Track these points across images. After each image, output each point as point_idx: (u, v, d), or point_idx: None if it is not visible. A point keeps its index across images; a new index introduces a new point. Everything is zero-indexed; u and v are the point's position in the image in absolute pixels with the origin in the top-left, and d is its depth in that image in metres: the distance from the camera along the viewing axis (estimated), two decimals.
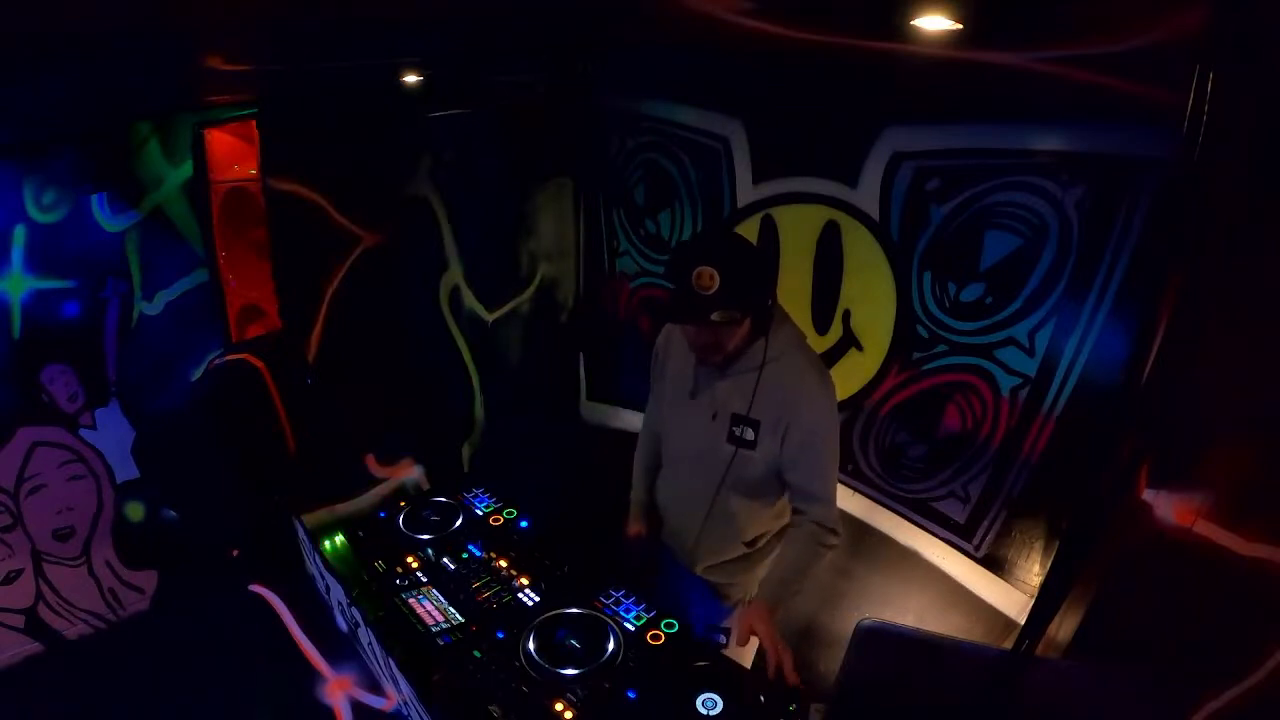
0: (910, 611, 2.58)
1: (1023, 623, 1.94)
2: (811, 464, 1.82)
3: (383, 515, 2.35)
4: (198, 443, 3.33)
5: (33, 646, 3.15)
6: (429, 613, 1.94)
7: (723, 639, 2.05)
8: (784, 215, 2.67)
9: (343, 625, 2.25)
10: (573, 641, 1.79)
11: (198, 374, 3.54)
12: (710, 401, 1.88)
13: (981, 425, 2.35)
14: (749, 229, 2.76)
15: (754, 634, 1.77)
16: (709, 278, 1.62)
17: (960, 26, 1.48)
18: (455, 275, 3.79)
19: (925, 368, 2.43)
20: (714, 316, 1.65)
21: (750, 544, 2.02)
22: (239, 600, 3.03)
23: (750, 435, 1.83)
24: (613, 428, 3.53)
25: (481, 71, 3.04)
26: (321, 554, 2.20)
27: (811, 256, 2.61)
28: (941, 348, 2.38)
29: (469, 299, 3.77)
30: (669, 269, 1.91)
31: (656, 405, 2.12)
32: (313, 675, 2.53)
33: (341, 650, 2.39)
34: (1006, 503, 2.34)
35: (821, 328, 2.65)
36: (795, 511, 1.89)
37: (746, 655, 2.15)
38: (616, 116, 3.09)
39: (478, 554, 2.17)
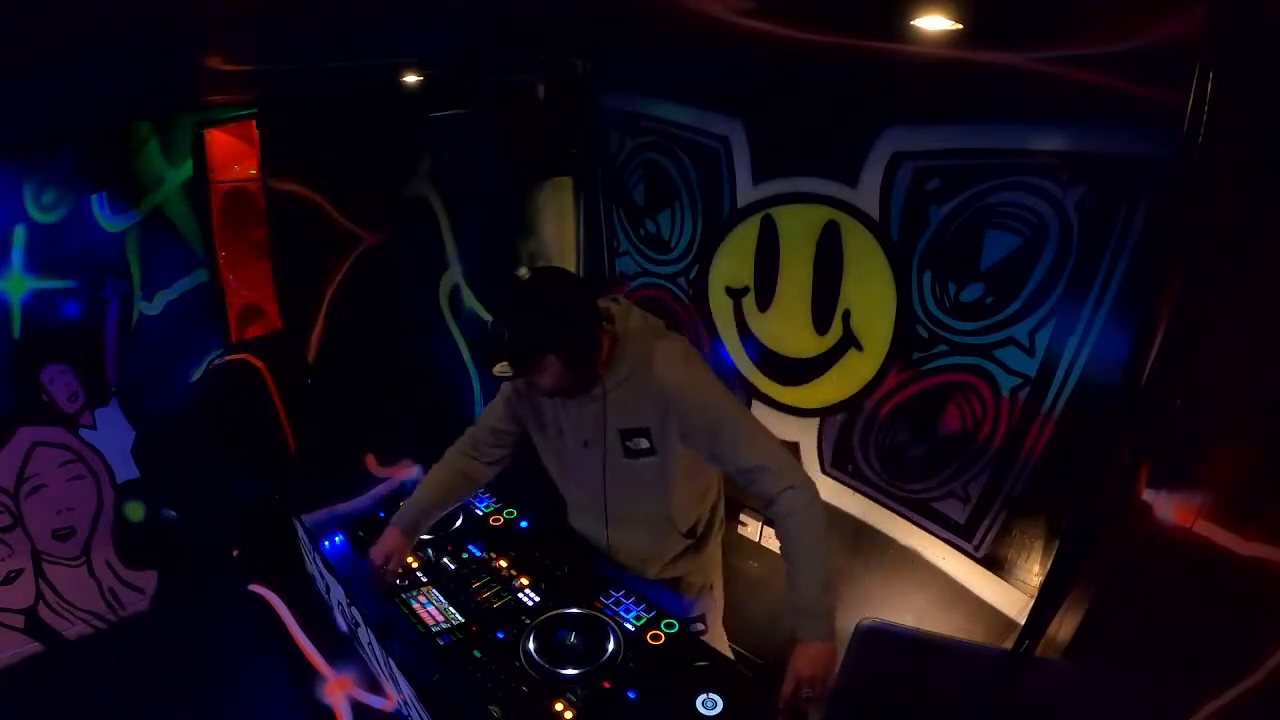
0: (910, 611, 2.57)
1: (1023, 623, 1.94)
2: (728, 441, 1.74)
3: (383, 515, 2.35)
4: (198, 443, 3.34)
5: (33, 646, 3.15)
6: (429, 613, 1.94)
7: (703, 628, 2.08)
8: (784, 215, 2.67)
9: (343, 625, 2.25)
10: (573, 641, 1.79)
11: (198, 374, 3.54)
12: (578, 431, 1.87)
13: (981, 425, 2.35)
14: (749, 229, 2.76)
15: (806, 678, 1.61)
16: (499, 331, 1.67)
17: (960, 26, 1.48)
18: (455, 275, 3.79)
19: (925, 368, 2.43)
20: (495, 370, 1.67)
21: (689, 533, 2.04)
22: (239, 600, 3.03)
23: (645, 444, 1.82)
24: None
25: (481, 71, 3.04)
26: (321, 554, 2.20)
27: (811, 257, 2.60)
28: (941, 348, 2.38)
29: (469, 299, 3.77)
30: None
31: (538, 451, 2.06)
32: (313, 675, 2.53)
33: (341, 650, 2.39)
34: (1006, 503, 2.34)
35: (821, 328, 2.65)
36: (763, 502, 1.76)
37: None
38: (616, 116, 3.09)
39: (478, 554, 2.17)
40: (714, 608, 2.18)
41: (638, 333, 1.82)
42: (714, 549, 2.14)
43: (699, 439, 1.77)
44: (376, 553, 1.97)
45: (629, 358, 1.77)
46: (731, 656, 2.19)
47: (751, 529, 2.95)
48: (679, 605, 2.10)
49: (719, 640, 2.20)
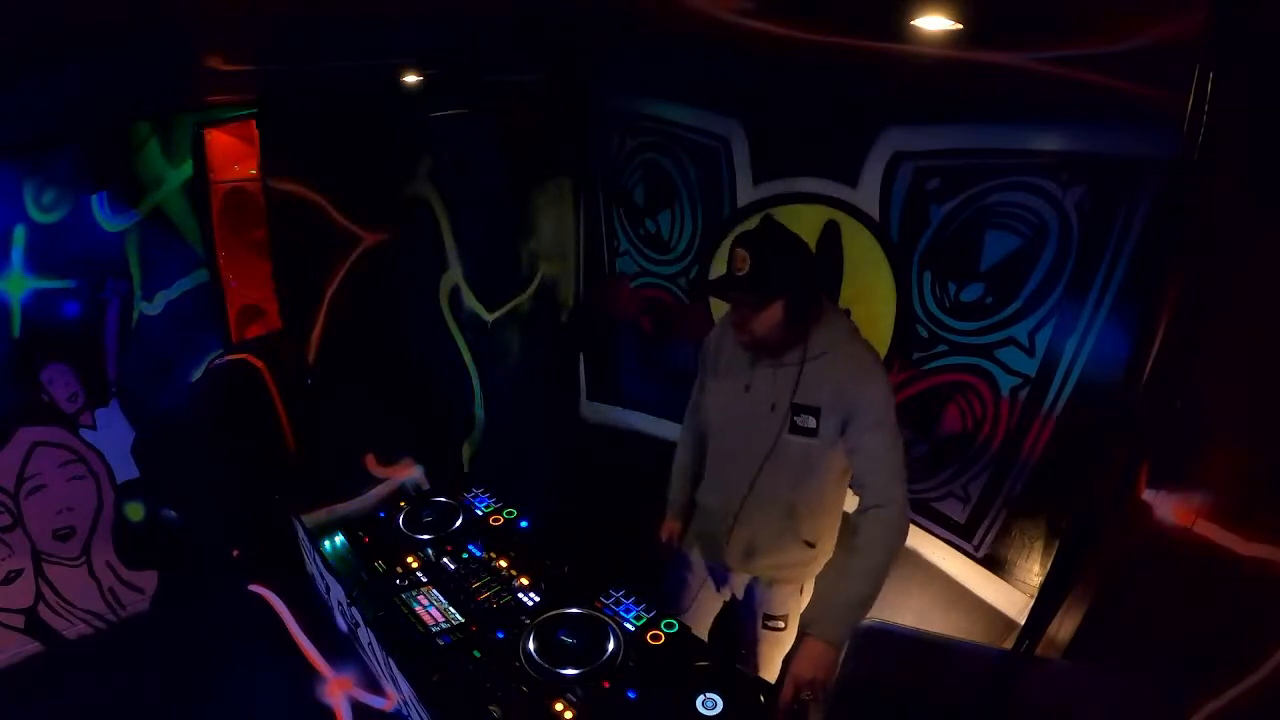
0: (910, 611, 2.58)
1: (1023, 623, 1.94)
2: (875, 443, 1.79)
3: (383, 515, 2.36)
4: (198, 443, 3.34)
5: (33, 646, 3.15)
6: (429, 613, 1.94)
7: (782, 626, 2.05)
8: (784, 215, 2.65)
9: (343, 625, 2.25)
10: (573, 641, 1.79)
11: (198, 374, 3.54)
12: (768, 394, 1.87)
13: (981, 425, 2.35)
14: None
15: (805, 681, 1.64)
16: (741, 260, 1.72)
17: (960, 26, 1.48)
18: (455, 275, 3.79)
19: (925, 368, 2.43)
20: (734, 295, 1.75)
21: (811, 544, 1.98)
22: (239, 600, 3.03)
23: (812, 423, 1.83)
24: (613, 427, 3.53)
25: (481, 71, 3.04)
26: (321, 554, 2.20)
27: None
28: (941, 348, 2.38)
29: (469, 299, 3.77)
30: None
31: (703, 402, 2.09)
32: (313, 675, 2.53)
33: (341, 650, 2.39)
34: (1006, 503, 2.34)
35: None
36: (860, 504, 1.82)
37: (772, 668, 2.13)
38: (616, 116, 3.09)
39: (478, 554, 2.17)
40: (798, 610, 2.13)
41: (837, 315, 1.90)
42: (822, 561, 2.08)
43: (855, 428, 1.80)
44: (663, 546, 2.19)
45: (826, 336, 1.82)
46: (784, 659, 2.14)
47: None
48: (767, 603, 2.07)
49: (788, 642, 2.12)
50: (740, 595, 2.12)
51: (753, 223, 1.95)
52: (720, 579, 2.15)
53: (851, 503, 1.97)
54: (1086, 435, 2.10)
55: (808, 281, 1.81)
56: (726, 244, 2.85)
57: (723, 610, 2.24)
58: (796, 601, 2.10)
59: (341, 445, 3.47)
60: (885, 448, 1.80)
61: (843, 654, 1.78)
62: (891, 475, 1.79)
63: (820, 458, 1.86)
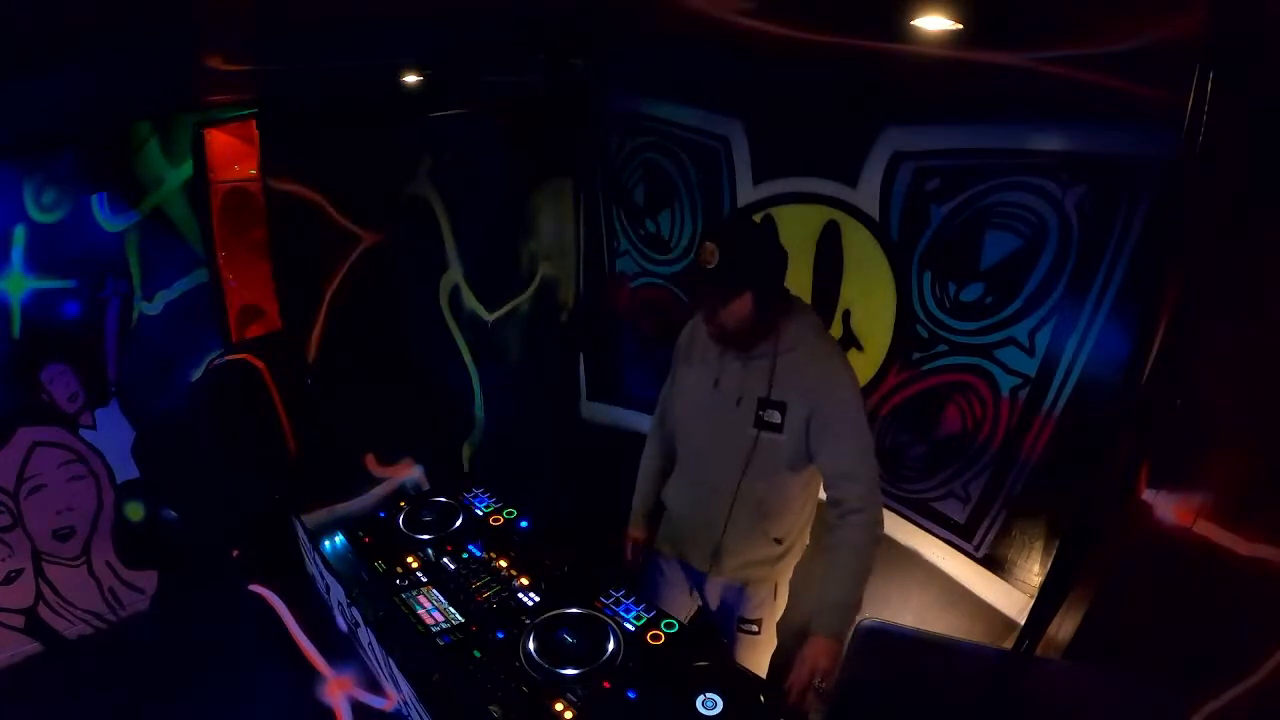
0: (910, 611, 2.57)
1: (1023, 623, 1.94)
2: (843, 443, 1.80)
3: (383, 515, 2.35)
4: (198, 443, 3.34)
5: (33, 646, 3.15)
6: (429, 613, 1.94)
7: (756, 630, 2.05)
8: (784, 215, 2.67)
9: (343, 625, 2.25)
10: (573, 642, 1.79)
11: (198, 374, 3.54)
12: (735, 388, 1.88)
13: (981, 425, 2.35)
14: None
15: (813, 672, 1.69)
16: (709, 253, 1.71)
17: (960, 26, 1.48)
18: (455, 275, 3.79)
19: (925, 368, 2.43)
20: (703, 288, 1.75)
21: (779, 540, 1.99)
22: (239, 600, 3.03)
23: (777, 418, 1.83)
24: (613, 428, 3.53)
25: (481, 71, 3.04)
26: (321, 554, 2.20)
27: (811, 256, 2.60)
28: (941, 348, 2.38)
29: (469, 299, 3.77)
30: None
31: (673, 400, 2.10)
32: (313, 675, 2.53)
33: (341, 650, 2.39)
34: (1006, 503, 2.34)
35: None
36: (834, 505, 1.82)
37: (760, 662, 2.14)
38: (616, 116, 3.09)
39: (478, 554, 2.17)
40: (772, 613, 2.13)
41: (805, 311, 1.91)
42: (792, 560, 2.09)
43: (819, 423, 1.80)
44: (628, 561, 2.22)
45: (796, 331, 1.84)
46: (768, 663, 2.15)
47: None
48: (739, 605, 2.08)
49: (767, 646, 2.14)
50: (714, 598, 2.11)
51: (721, 219, 1.96)
52: (694, 581, 2.15)
53: (821, 495, 1.99)
54: (1086, 435, 2.10)
55: (776, 274, 1.82)
56: None
57: (697, 612, 2.24)
58: (770, 606, 2.09)
59: (341, 445, 3.48)
60: (856, 452, 1.80)
61: (844, 650, 1.79)
62: (864, 477, 1.80)
63: (786, 454, 1.86)
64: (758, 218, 2.69)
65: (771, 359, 1.82)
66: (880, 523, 1.81)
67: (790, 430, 1.83)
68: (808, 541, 2.11)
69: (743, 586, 2.06)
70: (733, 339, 1.84)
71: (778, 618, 2.15)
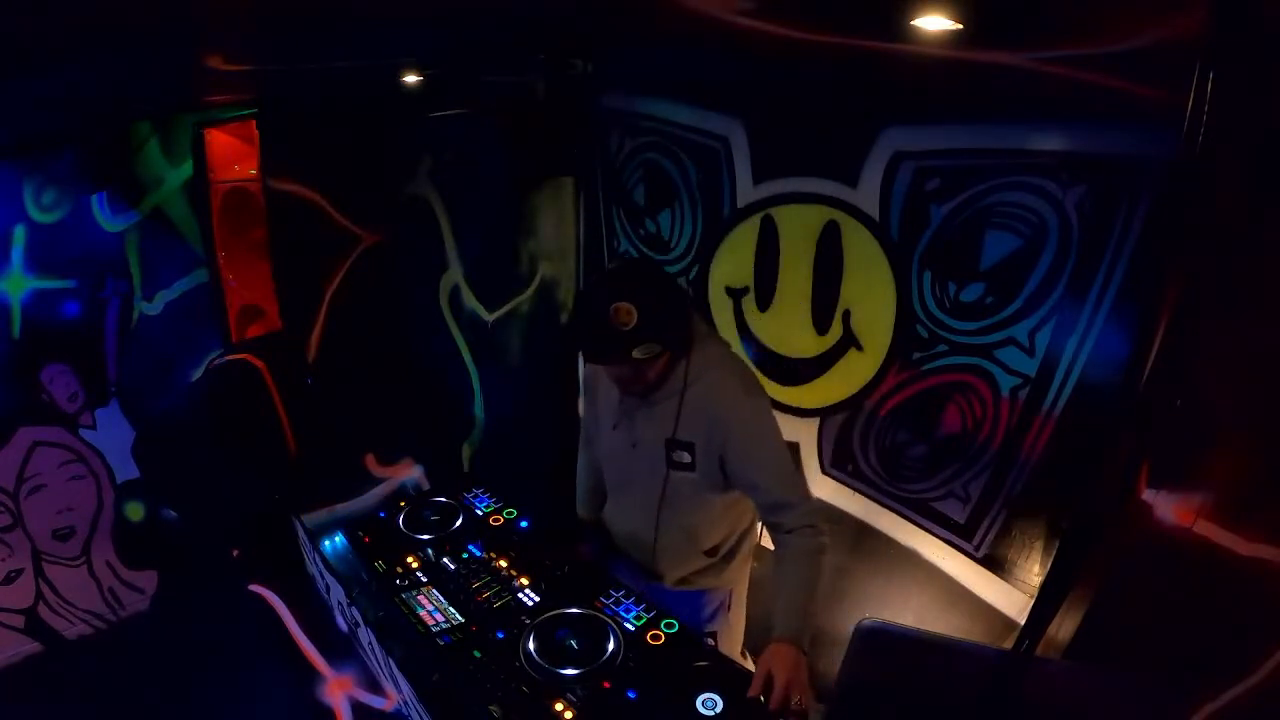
0: (910, 611, 2.58)
1: (1023, 623, 1.94)
2: (764, 475, 1.76)
3: (383, 515, 2.35)
4: (198, 443, 3.34)
5: (33, 646, 3.15)
6: (429, 613, 1.94)
7: (711, 642, 2.05)
8: (784, 215, 2.67)
9: (343, 625, 2.25)
10: (572, 642, 1.78)
11: (198, 374, 3.54)
12: (629, 432, 1.86)
13: (981, 425, 2.35)
14: (749, 229, 2.76)
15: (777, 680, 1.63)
16: (626, 313, 1.58)
17: (960, 26, 1.48)
18: (455, 275, 3.79)
19: (925, 368, 2.43)
20: (635, 353, 1.62)
21: (711, 552, 2.00)
22: (239, 600, 3.03)
23: (687, 458, 1.81)
24: None
25: (481, 71, 3.04)
26: (321, 554, 2.20)
27: (811, 256, 2.60)
28: (941, 348, 2.38)
29: (469, 299, 3.77)
30: (580, 305, 1.83)
31: (592, 433, 2.09)
32: (313, 675, 2.53)
33: (341, 650, 2.39)
34: (1006, 503, 2.34)
35: (821, 328, 2.65)
36: (772, 529, 1.80)
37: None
38: (616, 116, 3.09)
39: (478, 554, 2.17)
40: (729, 625, 2.12)
41: (708, 340, 1.83)
42: (737, 568, 2.08)
43: (734, 457, 1.76)
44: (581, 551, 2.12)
45: (699, 362, 1.76)
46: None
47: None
48: (693, 618, 2.06)
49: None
50: (672, 604, 2.09)
51: (619, 271, 1.90)
52: (648, 589, 2.13)
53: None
54: (1086, 435, 2.09)
55: (687, 319, 1.74)
56: (726, 244, 2.86)
57: None
58: (725, 618, 2.09)
59: (341, 445, 3.48)
60: (777, 480, 1.76)
61: (842, 648, 1.78)
62: (794, 502, 1.75)
63: (704, 487, 1.84)
64: (750, 227, 2.70)
65: (678, 397, 1.75)
66: (822, 533, 1.75)
67: (703, 467, 1.81)
68: (755, 542, 2.11)
69: (700, 593, 2.06)
70: (643, 392, 1.79)
71: (738, 640, 2.16)
